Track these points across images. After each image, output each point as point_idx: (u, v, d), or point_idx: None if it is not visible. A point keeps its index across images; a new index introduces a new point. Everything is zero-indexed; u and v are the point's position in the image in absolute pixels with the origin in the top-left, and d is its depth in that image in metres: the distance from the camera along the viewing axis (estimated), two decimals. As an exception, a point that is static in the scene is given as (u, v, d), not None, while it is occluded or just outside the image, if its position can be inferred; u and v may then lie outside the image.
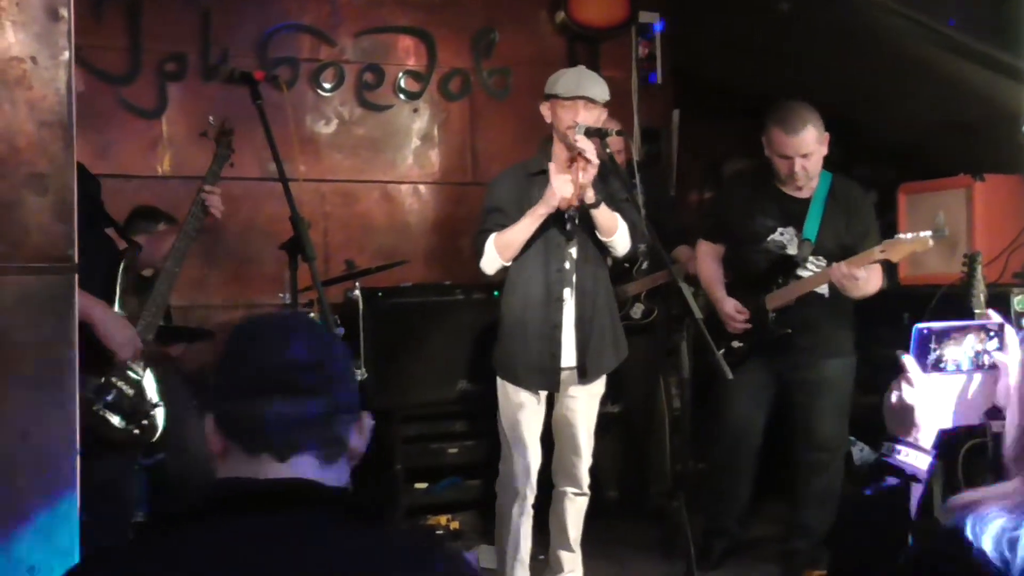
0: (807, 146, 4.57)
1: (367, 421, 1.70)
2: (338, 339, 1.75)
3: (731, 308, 4.81)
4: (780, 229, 4.77)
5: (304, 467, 1.60)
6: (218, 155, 3.98)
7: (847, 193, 4.77)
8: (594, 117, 4.17)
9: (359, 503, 1.60)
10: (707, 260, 5.04)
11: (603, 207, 4.15)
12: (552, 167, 4.14)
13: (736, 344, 4.80)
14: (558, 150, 4.25)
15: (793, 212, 4.74)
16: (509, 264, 4.25)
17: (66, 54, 2.71)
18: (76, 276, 2.82)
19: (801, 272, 4.73)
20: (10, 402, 2.74)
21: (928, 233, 4.35)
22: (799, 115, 4.56)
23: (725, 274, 5.02)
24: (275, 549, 1.48)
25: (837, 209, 4.72)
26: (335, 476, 1.64)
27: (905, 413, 2.03)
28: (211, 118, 4.00)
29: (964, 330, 2.10)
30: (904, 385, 2.04)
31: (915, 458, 2.00)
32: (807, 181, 4.68)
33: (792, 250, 4.74)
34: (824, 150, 4.65)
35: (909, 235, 4.38)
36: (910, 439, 2.02)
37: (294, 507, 1.55)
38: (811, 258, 4.71)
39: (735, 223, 4.93)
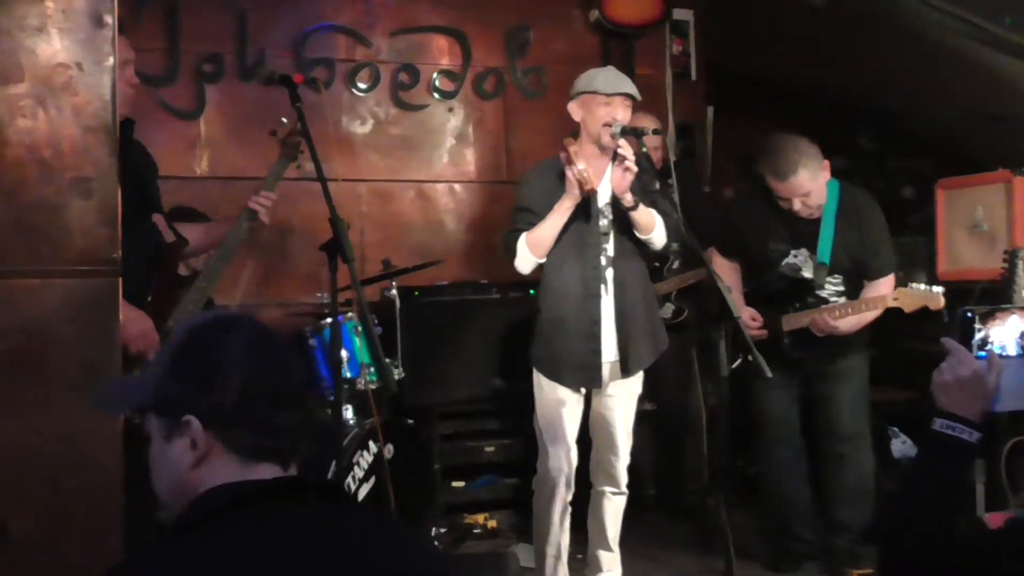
0: (801, 188, 4.50)
1: None
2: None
3: (747, 316, 4.75)
4: (793, 251, 4.72)
5: (297, 469, 1.72)
6: (282, 158, 3.87)
7: (856, 206, 4.68)
8: (628, 116, 4.18)
9: (345, 492, 1.75)
10: (723, 270, 4.88)
11: (641, 208, 4.15)
12: (563, 157, 4.12)
13: (751, 358, 4.77)
14: (586, 148, 4.24)
15: (804, 233, 4.67)
16: (543, 261, 4.25)
17: (110, 60, 2.75)
18: (120, 279, 2.86)
19: (819, 292, 4.70)
20: (54, 403, 2.78)
21: (940, 290, 4.39)
22: (787, 159, 4.47)
23: (743, 286, 4.98)
24: (307, 540, 1.54)
25: (847, 224, 4.65)
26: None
27: (959, 388, 2.03)
28: (284, 119, 3.87)
29: (1008, 311, 2.13)
30: (954, 361, 2.05)
31: (966, 434, 2.01)
32: (811, 212, 4.61)
33: (807, 272, 4.70)
34: (825, 177, 4.57)
35: (923, 286, 4.40)
36: (961, 414, 2.01)
37: (308, 501, 1.64)
38: (828, 278, 4.69)
39: (747, 246, 4.88)
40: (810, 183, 4.50)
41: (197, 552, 1.51)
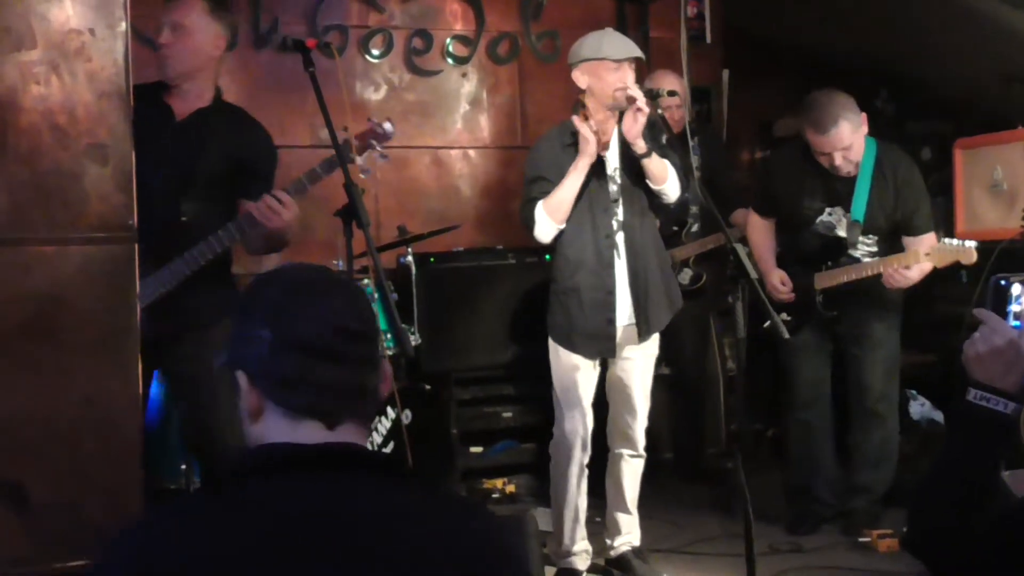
0: (842, 141, 4.47)
1: (387, 368, 1.69)
2: (370, 298, 1.72)
3: (777, 280, 4.79)
4: (828, 209, 4.69)
5: (349, 434, 1.59)
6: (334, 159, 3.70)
7: (895, 165, 4.65)
8: (634, 77, 4.14)
9: (401, 464, 1.62)
10: (758, 230, 4.99)
11: (654, 156, 4.12)
12: (575, 120, 4.11)
13: (785, 317, 4.75)
14: (594, 114, 4.18)
15: (840, 192, 4.65)
16: (563, 227, 4.23)
17: (123, 25, 2.74)
18: (136, 245, 2.86)
19: (852, 252, 4.68)
20: (74, 369, 2.80)
21: (972, 244, 4.30)
22: (828, 112, 4.44)
23: (776, 244, 4.98)
24: (326, 511, 1.47)
25: (884, 184, 4.62)
26: (367, 433, 1.65)
27: (993, 358, 1.97)
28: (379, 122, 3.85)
29: None
30: (987, 331, 1.99)
31: (1001, 405, 1.94)
32: (850, 169, 4.58)
33: (841, 231, 4.67)
34: (864, 131, 4.54)
35: (955, 242, 4.35)
36: (997, 385, 1.95)
37: (344, 470, 1.54)
38: (861, 238, 4.67)
39: (782, 203, 4.87)
40: (851, 136, 4.47)
41: (202, 515, 1.47)
